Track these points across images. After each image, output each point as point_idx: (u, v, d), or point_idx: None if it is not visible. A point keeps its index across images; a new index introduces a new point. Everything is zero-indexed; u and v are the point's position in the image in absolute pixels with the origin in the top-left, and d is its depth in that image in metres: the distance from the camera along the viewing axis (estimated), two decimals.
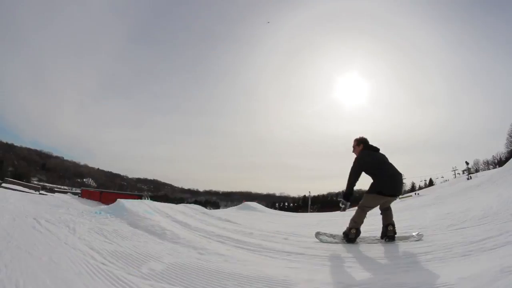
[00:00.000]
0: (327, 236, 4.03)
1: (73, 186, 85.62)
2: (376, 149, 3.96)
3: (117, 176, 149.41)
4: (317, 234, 4.11)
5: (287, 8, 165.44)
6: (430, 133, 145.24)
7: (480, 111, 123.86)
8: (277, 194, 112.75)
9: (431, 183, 57.78)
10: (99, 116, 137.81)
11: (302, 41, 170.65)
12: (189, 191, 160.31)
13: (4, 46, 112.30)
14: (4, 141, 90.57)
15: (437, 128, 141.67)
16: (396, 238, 3.69)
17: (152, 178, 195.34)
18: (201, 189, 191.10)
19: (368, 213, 3.79)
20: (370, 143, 4.01)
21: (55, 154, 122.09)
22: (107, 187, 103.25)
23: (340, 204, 3.84)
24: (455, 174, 50.11)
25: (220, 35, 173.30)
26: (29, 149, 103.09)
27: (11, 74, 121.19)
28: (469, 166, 42.64)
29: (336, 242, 3.80)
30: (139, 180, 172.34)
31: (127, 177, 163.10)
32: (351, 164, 3.78)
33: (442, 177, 54.61)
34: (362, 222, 3.75)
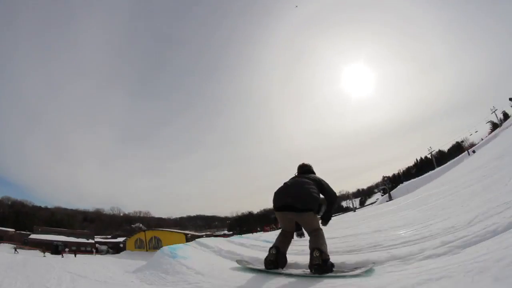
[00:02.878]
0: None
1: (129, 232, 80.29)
2: (301, 172, 3.57)
3: (161, 219, 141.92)
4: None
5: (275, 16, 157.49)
6: (443, 99, 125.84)
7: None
8: None
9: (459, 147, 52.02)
10: (121, 170, 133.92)
11: (298, 46, 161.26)
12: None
13: (23, 126, 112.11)
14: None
15: (448, 91, 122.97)
16: (333, 271, 2.60)
17: (195, 214, 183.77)
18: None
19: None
20: None
21: (91, 210, 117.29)
22: (162, 226, 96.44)
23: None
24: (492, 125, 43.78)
25: (221, 65, 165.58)
26: (68, 209, 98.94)
27: (35, 152, 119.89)
28: None
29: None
30: (183, 218, 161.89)
31: (169, 218, 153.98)
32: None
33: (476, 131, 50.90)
34: (280, 244, 3.08)
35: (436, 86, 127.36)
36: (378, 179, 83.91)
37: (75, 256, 29.68)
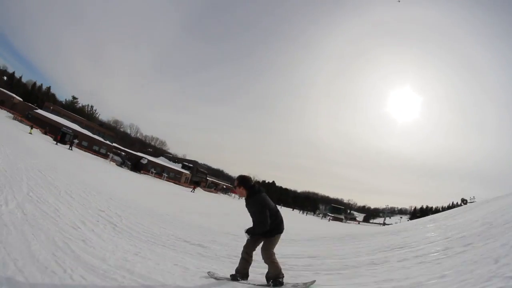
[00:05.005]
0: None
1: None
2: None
3: (169, 155, 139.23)
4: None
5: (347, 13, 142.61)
6: (472, 161, 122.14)
7: None
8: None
9: None
10: (148, 96, 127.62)
11: (358, 48, 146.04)
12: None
13: (67, 22, 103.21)
14: None
15: (481, 157, 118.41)
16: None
17: (202, 162, 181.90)
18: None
19: None
20: None
21: (110, 120, 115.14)
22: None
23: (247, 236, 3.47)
24: None
25: (279, 34, 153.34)
26: None
27: (71, 51, 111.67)
28: None
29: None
30: (190, 161, 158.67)
31: (177, 156, 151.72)
32: (255, 207, 3.29)
33: None
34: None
35: (471, 146, 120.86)
36: (382, 205, 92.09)
37: (70, 149, 21.14)
